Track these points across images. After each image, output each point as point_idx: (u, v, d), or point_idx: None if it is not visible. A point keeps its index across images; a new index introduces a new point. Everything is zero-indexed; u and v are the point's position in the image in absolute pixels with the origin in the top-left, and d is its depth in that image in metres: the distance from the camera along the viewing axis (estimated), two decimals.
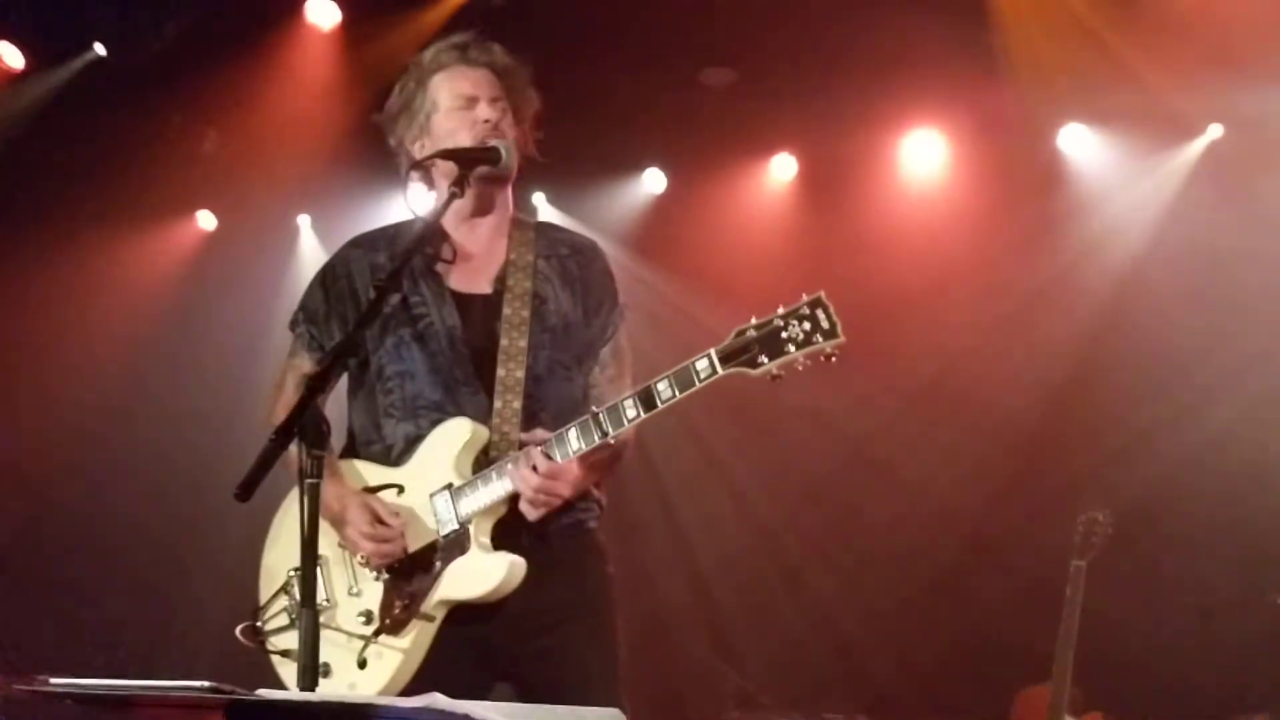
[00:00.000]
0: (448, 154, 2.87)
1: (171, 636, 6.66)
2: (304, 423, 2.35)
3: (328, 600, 2.85)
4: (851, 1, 5.59)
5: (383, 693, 2.72)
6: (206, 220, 7.24)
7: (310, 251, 7.25)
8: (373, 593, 2.83)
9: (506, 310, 2.86)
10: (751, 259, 6.42)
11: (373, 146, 6.38)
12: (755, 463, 6.49)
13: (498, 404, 2.80)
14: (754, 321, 2.54)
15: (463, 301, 2.91)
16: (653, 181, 6.78)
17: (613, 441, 2.68)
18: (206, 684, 1.91)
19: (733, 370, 2.52)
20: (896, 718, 5.83)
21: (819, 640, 6.28)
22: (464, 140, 2.91)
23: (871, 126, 6.29)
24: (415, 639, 2.77)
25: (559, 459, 2.68)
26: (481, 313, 2.89)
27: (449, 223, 2.97)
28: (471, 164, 2.87)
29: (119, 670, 5.15)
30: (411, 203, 2.88)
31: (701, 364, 2.56)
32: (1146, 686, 5.20)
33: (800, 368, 2.52)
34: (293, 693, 2.05)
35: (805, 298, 2.53)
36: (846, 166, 6.46)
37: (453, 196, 2.83)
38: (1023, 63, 5.67)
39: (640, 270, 6.25)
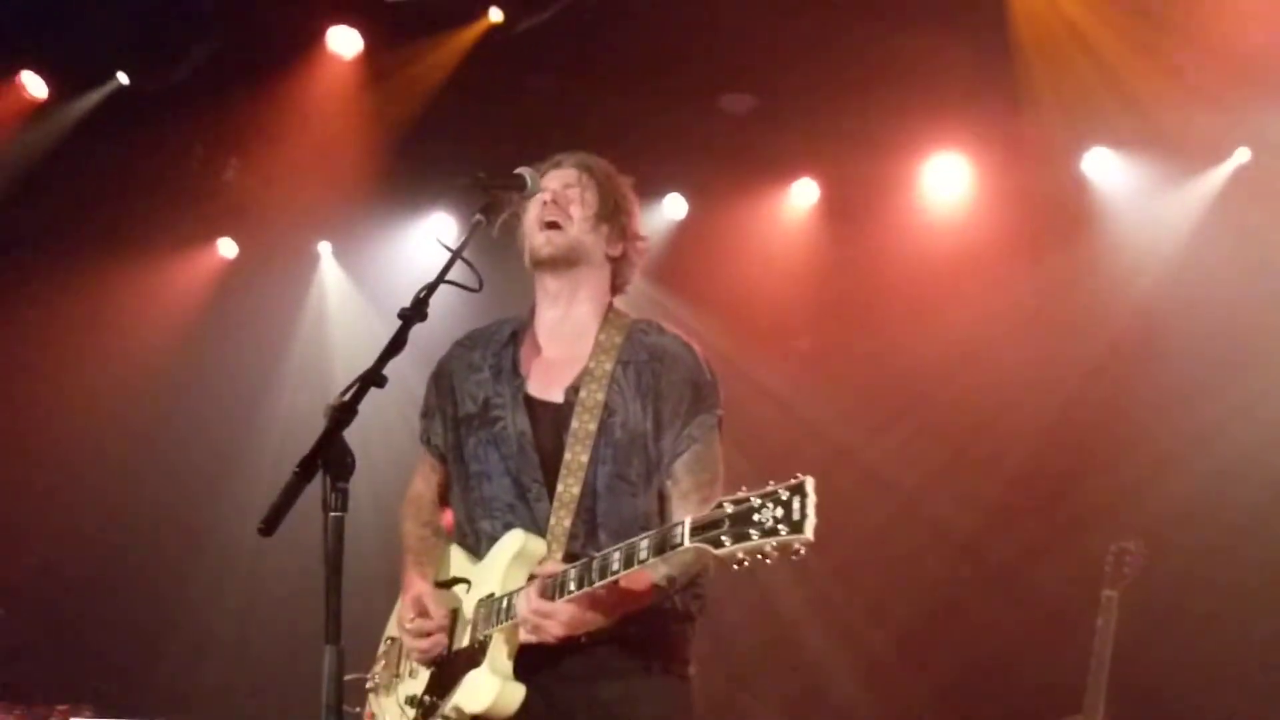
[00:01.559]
0: (473, 182, 2.83)
1: (182, 664, 6.63)
2: (329, 456, 2.31)
3: (397, 675, 2.90)
4: (873, 28, 5.57)
5: None
6: (227, 248, 7.27)
7: (330, 279, 7.27)
8: (422, 679, 2.84)
9: (574, 424, 2.81)
10: (773, 285, 6.40)
11: (393, 174, 6.52)
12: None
13: (552, 520, 2.77)
14: (735, 495, 2.35)
15: (535, 408, 2.88)
16: (674, 207, 6.76)
17: (602, 591, 2.57)
18: None
19: (699, 544, 2.35)
20: None
21: (839, 670, 6.21)
22: (534, 231, 2.95)
23: (893, 151, 6.25)
24: None
25: (556, 598, 2.60)
26: (552, 422, 2.85)
27: (540, 323, 2.97)
28: (496, 190, 2.84)
29: (131, 702, 5.13)
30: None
31: (677, 531, 2.41)
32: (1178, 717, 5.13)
33: (767, 559, 2.30)
34: None
35: (790, 481, 2.30)
36: (868, 191, 6.43)
37: (477, 224, 2.79)
38: (1046, 86, 5.64)
39: (660, 296, 6.23)
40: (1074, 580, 4.95)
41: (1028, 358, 5.94)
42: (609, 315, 2.96)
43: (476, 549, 2.88)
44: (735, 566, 2.35)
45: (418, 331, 2.61)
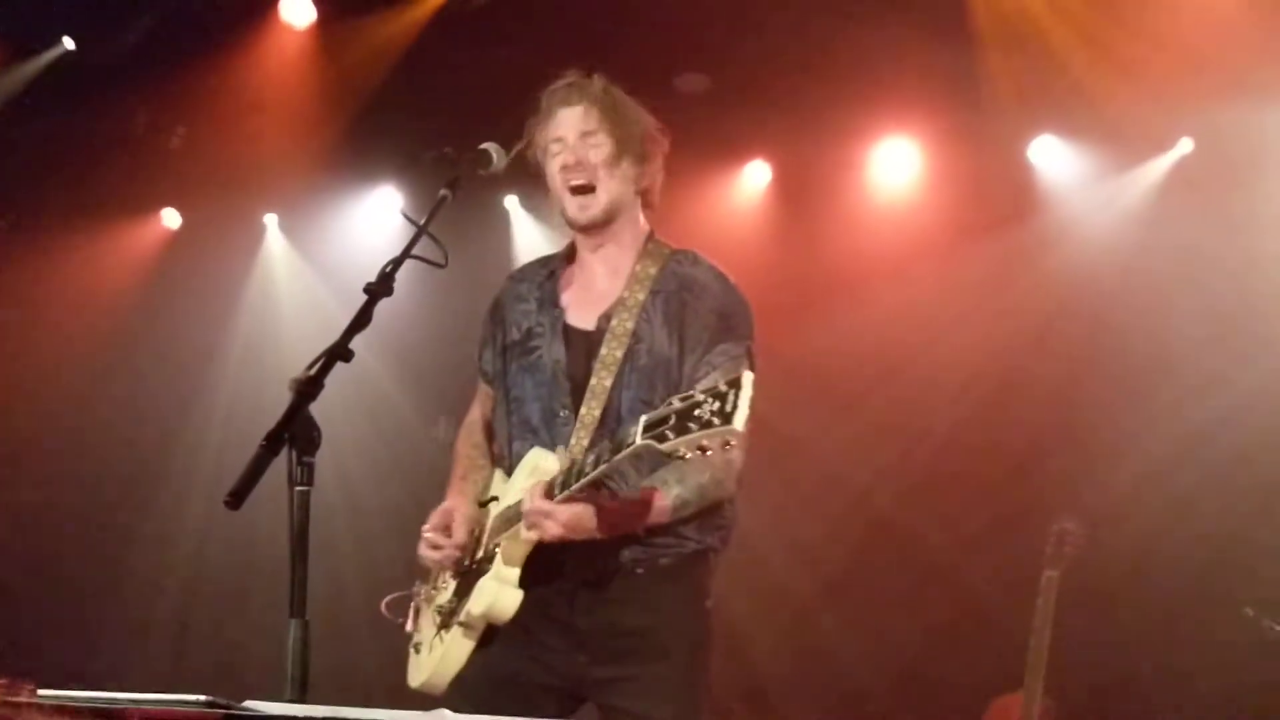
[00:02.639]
0: (439, 157, 2.84)
1: (117, 637, 6.56)
2: (295, 429, 2.30)
3: (435, 586, 3.06)
4: (827, 9, 5.61)
5: (423, 685, 2.95)
6: (171, 218, 7.15)
7: (276, 251, 7.19)
8: (449, 589, 2.99)
9: (603, 350, 2.90)
10: (725, 264, 6.41)
11: (343, 147, 6.45)
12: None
13: (573, 441, 2.86)
14: (682, 394, 2.46)
15: (571, 335, 2.98)
16: None
17: (605, 499, 2.70)
18: (202, 697, 1.87)
19: (647, 440, 2.44)
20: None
21: (792, 646, 6.28)
22: (563, 192, 2.99)
23: (845, 134, 6.30)
24: (452, 641, 2.88)
25: (554, 497, 2.70)
26: (584, 349, 2.94)
27: (580, 256, 3.07)
28: (463, 167, 2.84)
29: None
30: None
31: (632, 429, 2.50)
32: (1119, 696, 5.24)
33: (706, 451, 2.38)
34: (286, 706, 2.01)
35: (729, 379, 2.39)
36: (820, 174, 6.47)
37: (443, 199, 2.80)
38: (997, 73, 5.70)
39: None
40: (1019, 561, 5.04)
41: (975, 341, 6.02)
42: (647, 246, 3.03)
43: (511, 470, 2.99)
44: (679, 459, 2.46)
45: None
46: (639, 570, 2.86)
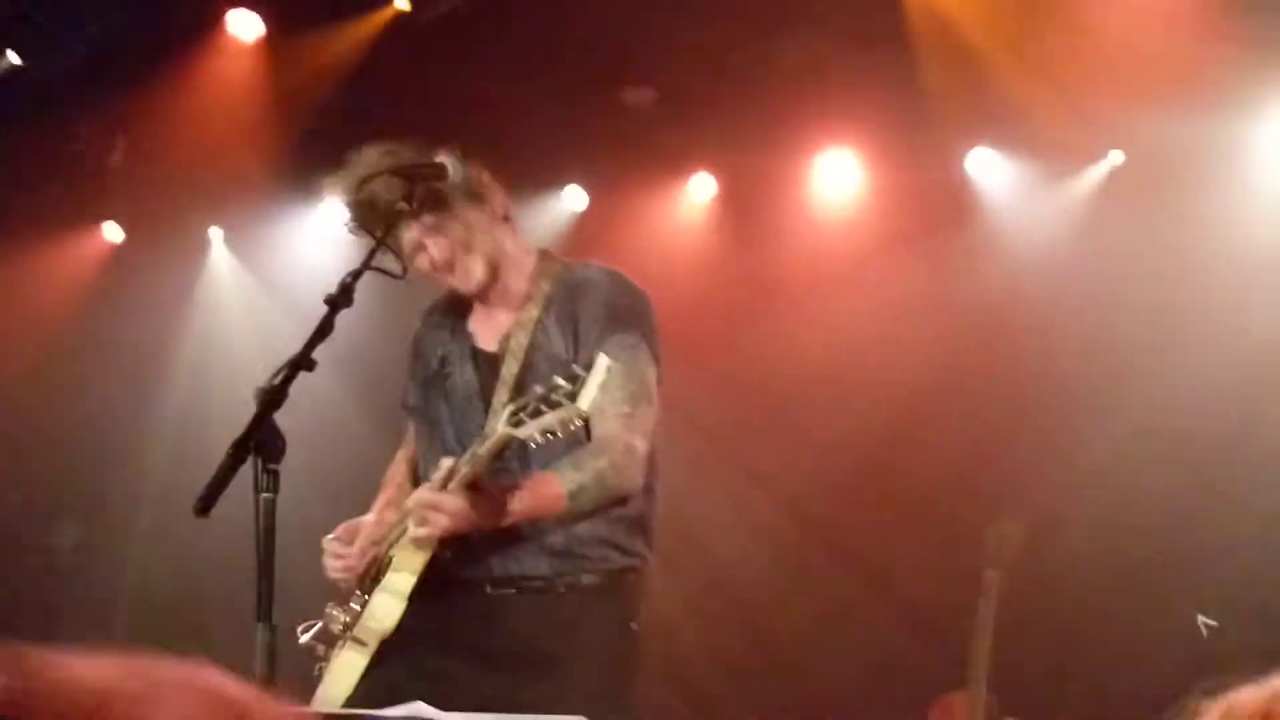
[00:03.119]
0: (395, 171, 2.89)
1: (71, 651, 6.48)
2: (260, 438, 2.35)
3: (342, 606, 3.01)
4: (770, 22, 5.71)
5: (319, 708, 2.78)
6: (113, 232, 7.10)
7: (222, 263, 7.17)
8: (356, 608, 2.96)
9: (502, 370, 2.95)
10: (670, 277, 6.46)
11: (289, 161, 6.45)
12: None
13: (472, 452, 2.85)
14: (548, 381, 2.49)
15: (479, 358, 3.04)
16: (574, 198, 6.83)
17: (493, 487, 2.70)
18: None
19: (507, 429, 2.49)
20: None
21: (740, 652, 6.35)
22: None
23: (787, 146, 6.39)
24: (345, 659, 2.85)
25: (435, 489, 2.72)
26: (491, 370, 2.99)
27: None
28: (419, 179, 2.90)
29: None
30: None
31: (496, 421, 2.60)
32: (1060, 693, 5.36)
33: (555, 434, 2.43)
34: None
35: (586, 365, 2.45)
36: (763, 185, 6.56)
37: (401, 212, 2.85)
38: (933, 85, 5.82)
39: None
40: (959, 563, 5.15)
41: (916, 348, 6.13)
42: (540, 265, 3.08)
43: None
44: (533, 445, 2.48)
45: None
46: (560, 588, 2.84)
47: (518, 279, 3.06)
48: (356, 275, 2.68)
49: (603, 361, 2.42)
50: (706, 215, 6.80)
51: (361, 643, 2.82)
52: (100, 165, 6.62)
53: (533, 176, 6.54)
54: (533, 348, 2.95)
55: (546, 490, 2.75)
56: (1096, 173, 6.09)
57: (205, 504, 2.26)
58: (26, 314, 6.84)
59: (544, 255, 3.12)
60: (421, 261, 3.02)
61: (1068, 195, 6.15)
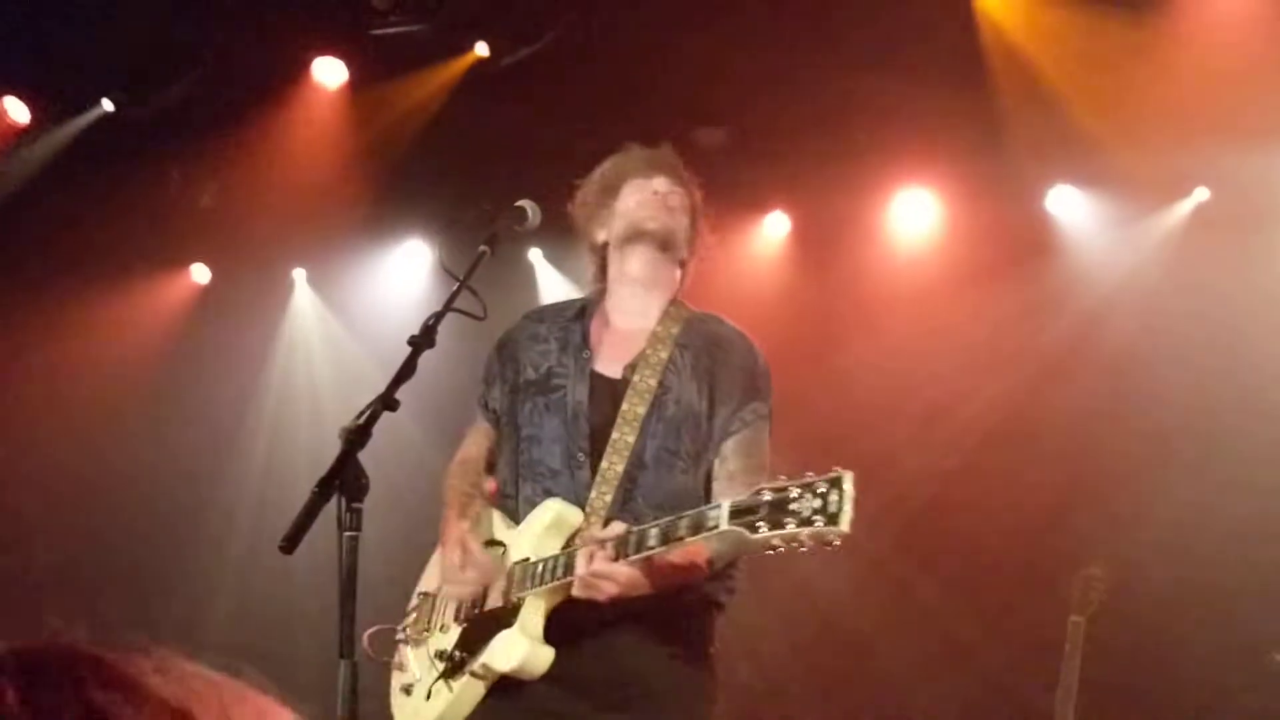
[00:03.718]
0: (479, 214, 2.94)
1: None
2: (344, 477, 2.39)
3: (428, 629, 3.00)
4: (843, 62, 5.71)
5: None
6: (201, 274, 7.28)
7: (305, 305, 7.32)
8: (453, 635, 2.93)
9: (625, 405, 2.92)
10: (745, 317, 6.46)
11: (370, 203, 6.57)
12: None
13: (593, 494, 2.86)
14: (774, 483, 2.46)
15: (596, 381, 3.00)
16: None
17: (661, 559, 2.66)
18: None
19: (735, 527, 2.45)
20: None
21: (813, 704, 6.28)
22: (640, 210, 3.10)
23: (863, 185, 6.38)
24: (461, 691, 2.85)
25: (618, 559, 2.68)
26: (609, 396, 2.96)
27: (612, 300, 3.14)
28: (501, 223, 2.94)
29: None
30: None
31: (714, 513, 2.52)
32: None
33: (802, 548, 2.39)
34: None
35: (830, 473, 2.39)
36: (838, 224, 6.55)
37: (482, 254, 2.89)
38: (1012, 124, 5.78)
39: None
40: (1046, 610, 5.05)
41: (991, 390, 6.06)
42: (670, 308, 3.09)
43: (515, 513, 2.97)
44: (769, 552, 2.45)
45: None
46: (644, 619, 2.83)
47: (655, 299, 3.10)
48: (439, 316, 2.72)
49: (850, 478, 2.37)
50: (780, 254, 6.79)
51: (481, 678, 2.82)
52: (190, 208, 6.80)
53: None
54: (663, 387, 2.94)
55: (698, 560, 2.75)
56: (1180, 210, 5.99)
57: (291, 542, 2.29)
58: (116, 353, 7.02)
59: (676, 300, 3.13)
60: (666, 195, 3.13)
61: (1150, 233, 6.05)
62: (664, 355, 2.98)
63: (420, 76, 5.96)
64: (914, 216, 6.48)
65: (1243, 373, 5.46)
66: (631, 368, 2.98)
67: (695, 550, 2.71)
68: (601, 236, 3.15)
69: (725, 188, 6.45)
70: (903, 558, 6.13)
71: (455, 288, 2.78)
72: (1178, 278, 5.78)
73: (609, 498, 2.85)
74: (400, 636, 3.06)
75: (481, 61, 5.88)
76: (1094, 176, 6.05)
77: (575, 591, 2.72)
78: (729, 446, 2.93)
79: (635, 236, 3.08)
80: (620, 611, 2.77)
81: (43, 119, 6.29)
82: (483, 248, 2.88)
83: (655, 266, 3.10)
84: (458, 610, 2.93)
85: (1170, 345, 5.64)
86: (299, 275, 7.30)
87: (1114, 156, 5.73)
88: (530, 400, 3.02)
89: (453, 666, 2.87)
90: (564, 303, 3.28)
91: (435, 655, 2.93)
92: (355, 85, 6.18)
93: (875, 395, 6.26)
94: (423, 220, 6.79)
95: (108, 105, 6.24)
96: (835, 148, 6.09)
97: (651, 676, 2.85)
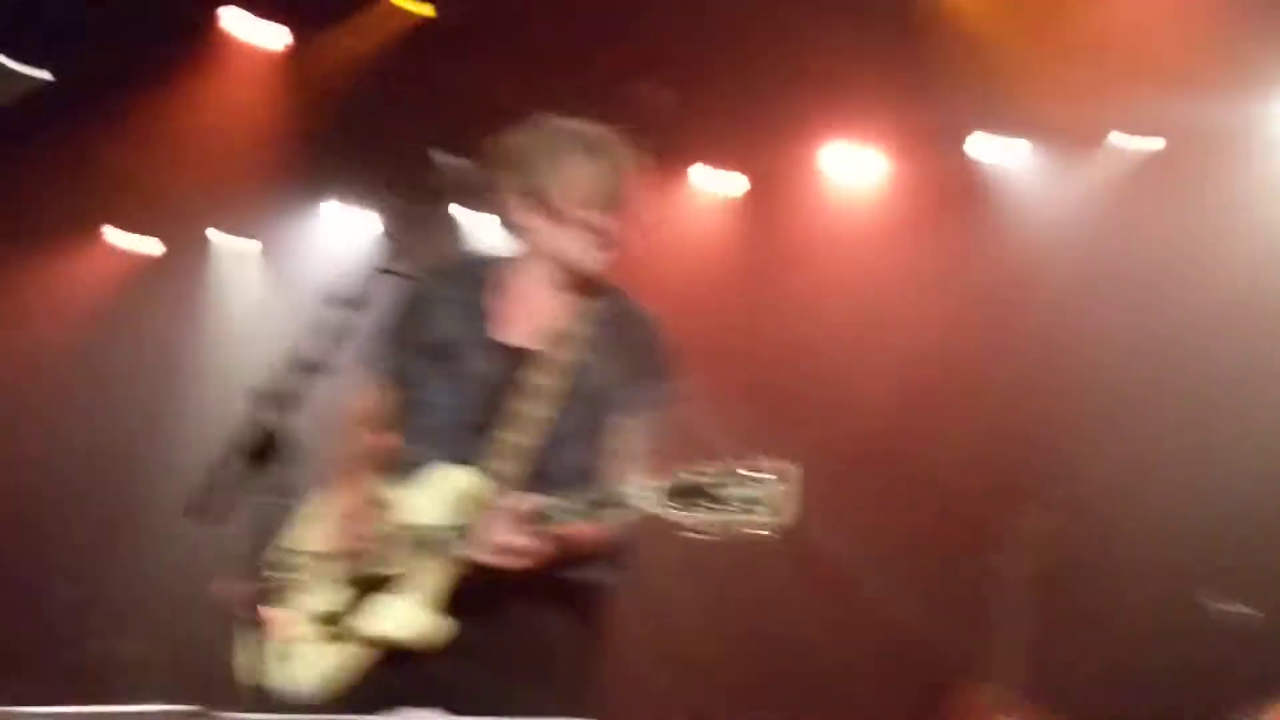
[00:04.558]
0: (436, 175, 2.82)
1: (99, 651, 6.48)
2: (270, 442, 2.34)
3: (309, 589, 2.83)
4: (776, 14, 5.69)
5: (293, 688, 2.73)
6: (116, 236, 7.10)
7: (233, 264, 7.19)
8: (335, 597, 2.80)
9: (532, 378, 2.82)
10: (684, 271, 6.47)
11: (296, 164, 6.44)
12: None
13: (498, 465, 2.77)
14: (708, 467, 2.42)
15: (499, 351, 2.88)
16: None
17: (569, 533, 2.63)
18: (190, 707, 1.89)
19: (674, 514, 2.41)
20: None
21: (748, 649, 6.33)
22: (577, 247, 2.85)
23: (796, 138, 6.42)
24: (347, 657, 2.75)
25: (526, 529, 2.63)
26: (513, 368, 2.84)
27: (520, 270, 2.92)
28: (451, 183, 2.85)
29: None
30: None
31: (650, 494, 2.48)
32: (1075, 680, 5.32)
33: (730, 538, 2.37)
34: (267, 717, 2.04)
35: (769, 464, 2.38)
36: (775, 176, 6.59)
37: (420, 213, 2.82)
38: (943, 73, 5.78)
39: None
40: (983, 552, 5.11)
41: (929, 338, 6.12)
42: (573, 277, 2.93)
43: (412, 478, 2.84)
44: (700, 536, 2.41)
45: None
46: (540, 588, 2.75)
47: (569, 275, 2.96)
48: (372, 277, 2.65)
49: (795, 473, 2.35)
50: (717, 207, 6.81)
51: (371, 643, 2.72)
52: (112, 170, 6.61)
53: None
54: (572, 363, 2.84)
55: (603, 535, 2.70)
56: (1108, 156, 6.04)
57: (202, 508, 2.23)
58: (32, 316, 6.84)
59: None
60: (617, 209, 2.80)
61: (1083, 178, 6.11)
62: (574, 329, 2.89)
63: (354, 30, 5.82)
64: (847, 166, 6.53)
65: (1180, 313, 5.51)
66: (540, 338, 2.88)
67: (608, 526, 2.66)
68: (521, 220, 2.89)
69: (665, 143, 6.50)
70: (839, 506, 6.18)
71: (389, 248, 2.71)
72: (1112, 222, 5.85)
73: (515, 470, 2.77)
74: (273, 595, 2.85)
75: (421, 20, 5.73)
76: (1024, 124, 6.08)
77: (486, 559, 2.65)
78: (634, 425, 2.86)
79: (566, 265, 2.87)
80: (517, 581, 2.69)
81: None
82: (418, 206, 2.80)
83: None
84: (349, 572, 2.79)
85: (1109, 290, 5.70)
86: (224, 237, 7.15)
87: (1040, 103, 5.75)
88: (428, 363, 2.89)
89: (339, 632, 2.76)
90: (468, 262, 3.12)
91: (320, 618, 2.80)
92: (287, 44, 6.02)
93: (809, 342, 6.30)
94: (355, 180, 6.70)
95: (42, 74, 5.98)
96: (770, 100, 6.08)
97: (547, 644, 2.81)
